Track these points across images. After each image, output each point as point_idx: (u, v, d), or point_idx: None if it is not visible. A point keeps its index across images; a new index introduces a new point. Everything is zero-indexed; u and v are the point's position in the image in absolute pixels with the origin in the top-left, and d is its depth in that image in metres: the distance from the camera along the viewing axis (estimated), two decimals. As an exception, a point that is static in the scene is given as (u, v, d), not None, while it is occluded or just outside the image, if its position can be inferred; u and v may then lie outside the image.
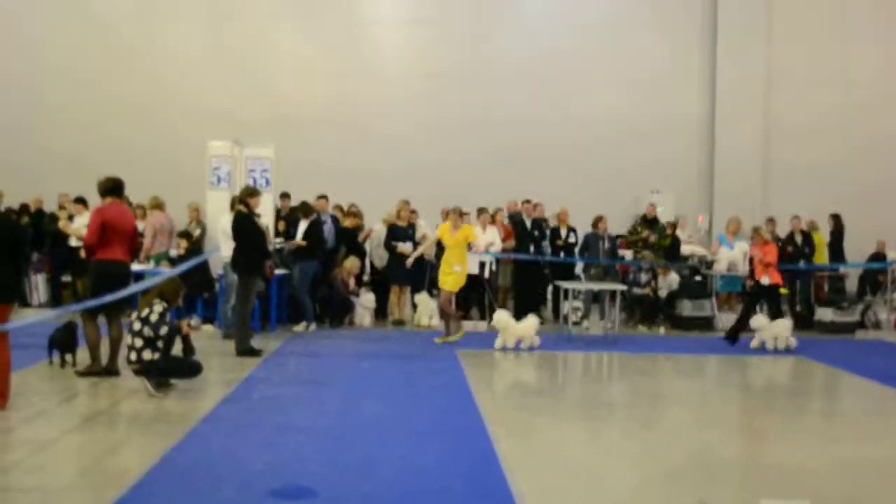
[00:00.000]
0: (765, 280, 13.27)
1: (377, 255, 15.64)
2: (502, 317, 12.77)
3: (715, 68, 20.21)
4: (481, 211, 15.66)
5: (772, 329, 13.01)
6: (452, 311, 13.63)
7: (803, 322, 16.26)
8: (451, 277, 13.12)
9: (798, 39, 20.16)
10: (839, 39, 20.17)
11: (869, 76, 20.05)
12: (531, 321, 12.92)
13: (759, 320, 13.02)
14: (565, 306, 14.73)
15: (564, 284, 14.50)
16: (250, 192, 12.02)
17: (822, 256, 17.21)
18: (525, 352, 12.56)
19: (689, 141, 20.40)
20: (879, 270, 17.66)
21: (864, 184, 19.35)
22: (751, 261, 13.83)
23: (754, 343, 13.05)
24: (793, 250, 16.70)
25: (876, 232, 18.01)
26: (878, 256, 17.75)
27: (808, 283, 17.11)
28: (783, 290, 14.12)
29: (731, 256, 15.54)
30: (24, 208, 16.86)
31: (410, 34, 20.53)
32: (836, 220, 17.58)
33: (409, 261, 13.86)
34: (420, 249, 14.18)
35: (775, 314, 13.33)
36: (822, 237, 17.40)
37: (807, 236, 16.83)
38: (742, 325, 13.34)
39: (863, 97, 19.94)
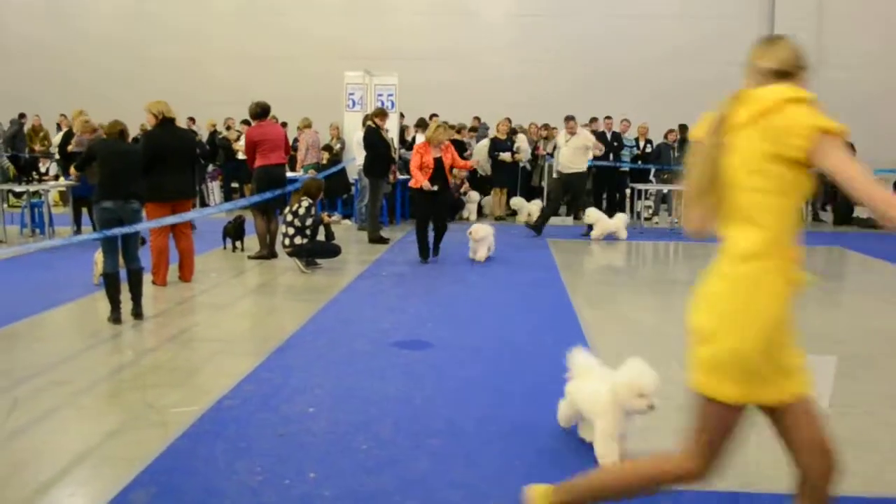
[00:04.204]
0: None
1: (481, 164, 15.43)
2: None
3: (774, 1, 19.05)
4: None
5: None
6: None
7: (843, 218, 15.62)
8: None
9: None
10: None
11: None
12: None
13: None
14: (639, 204, 14.45)
15: (638, 186, 14.18)
16: (379, 112, 12.01)
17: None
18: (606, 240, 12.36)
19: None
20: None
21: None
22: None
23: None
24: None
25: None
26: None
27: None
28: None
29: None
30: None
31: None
32: None
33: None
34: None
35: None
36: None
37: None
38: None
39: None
